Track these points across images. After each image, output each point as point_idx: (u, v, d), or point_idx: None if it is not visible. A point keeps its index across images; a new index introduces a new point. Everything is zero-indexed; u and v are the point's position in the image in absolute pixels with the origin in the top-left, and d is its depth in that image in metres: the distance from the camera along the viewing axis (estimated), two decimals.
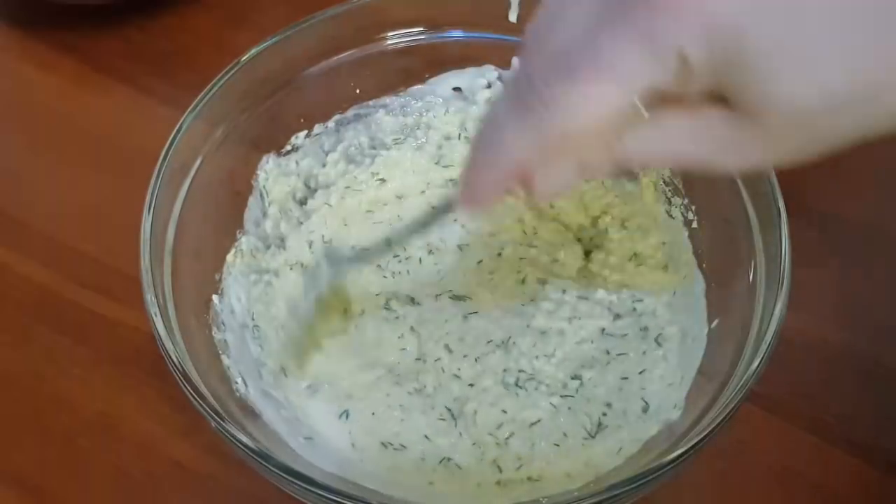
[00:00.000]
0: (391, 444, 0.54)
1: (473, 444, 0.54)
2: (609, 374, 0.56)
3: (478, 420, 0.55)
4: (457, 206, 0.44)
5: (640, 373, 0.56)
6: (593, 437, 0.54)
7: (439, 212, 0.50)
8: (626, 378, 0.56)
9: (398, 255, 0.62)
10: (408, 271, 0.62)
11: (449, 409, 0.55)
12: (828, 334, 0.61)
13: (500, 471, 0.53)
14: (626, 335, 0.58)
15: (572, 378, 0.56)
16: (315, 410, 0.56)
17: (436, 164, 0.66)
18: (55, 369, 0.61)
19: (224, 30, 0.78)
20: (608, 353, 0.57)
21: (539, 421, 0.54)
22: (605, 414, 0.55)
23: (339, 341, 0.58)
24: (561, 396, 0.55)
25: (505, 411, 0.55)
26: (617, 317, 0.58)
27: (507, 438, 0.54)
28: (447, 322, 0.59)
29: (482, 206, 0.42)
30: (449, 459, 0.54)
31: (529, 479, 0.53)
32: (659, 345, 0.57)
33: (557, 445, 0.54)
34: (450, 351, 0.57)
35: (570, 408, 0.55)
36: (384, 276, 0.61)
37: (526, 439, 0.54)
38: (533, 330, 0.58)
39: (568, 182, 0.40)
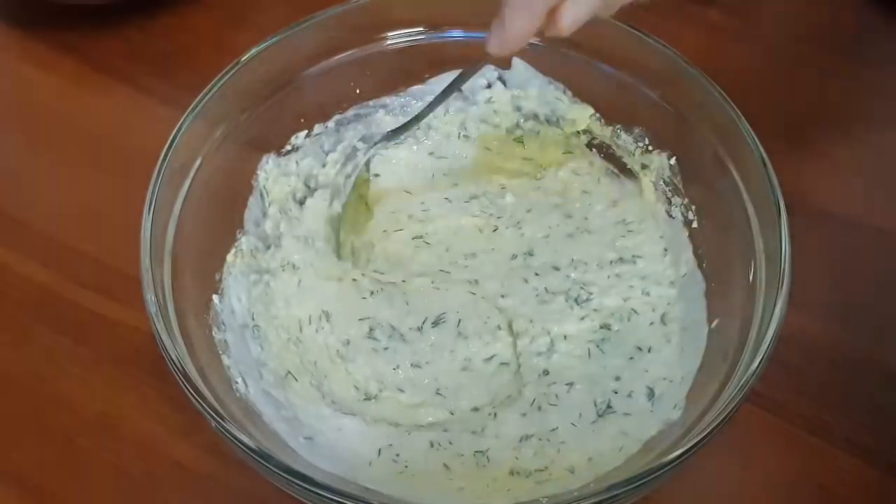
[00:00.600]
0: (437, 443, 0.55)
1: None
2: (623, 343, 0.57)
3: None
4: (487, 57, 0.49)
5: (648, 350, 0.56)
6: (601, 416, 0.54)
7: (466, 74, 0.56)
8: (639, 348, 0.57)
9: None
10: (381, 289, 0.60)
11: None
12: (828, 334, 0.61)
13: (517, 458, 0.53)
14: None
15: (601, 327, 0.58)
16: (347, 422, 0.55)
17: (430, 154, 0.67)
18: (55, 369, 0.61)
19: (224, 30, 0.79)
20: (622, 318, 0.58)
21: (571, 384, 0.55)
22: (615, 392, 0.55)
23: (340, 378, 0.58)
24: (597, 345, 0.57)
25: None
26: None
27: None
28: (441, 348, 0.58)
29: (515, 48, 0.47)
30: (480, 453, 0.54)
31: (537, 469, 0.53)
32: (664, 324, 0.57)
33: (574, 425, 0.54)
34: (465, 337, 0.58)
35: (591, 377, 0.56)
36: (363, 298, 0.60)
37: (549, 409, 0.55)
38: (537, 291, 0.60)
39: (590, 12, 0.46)
